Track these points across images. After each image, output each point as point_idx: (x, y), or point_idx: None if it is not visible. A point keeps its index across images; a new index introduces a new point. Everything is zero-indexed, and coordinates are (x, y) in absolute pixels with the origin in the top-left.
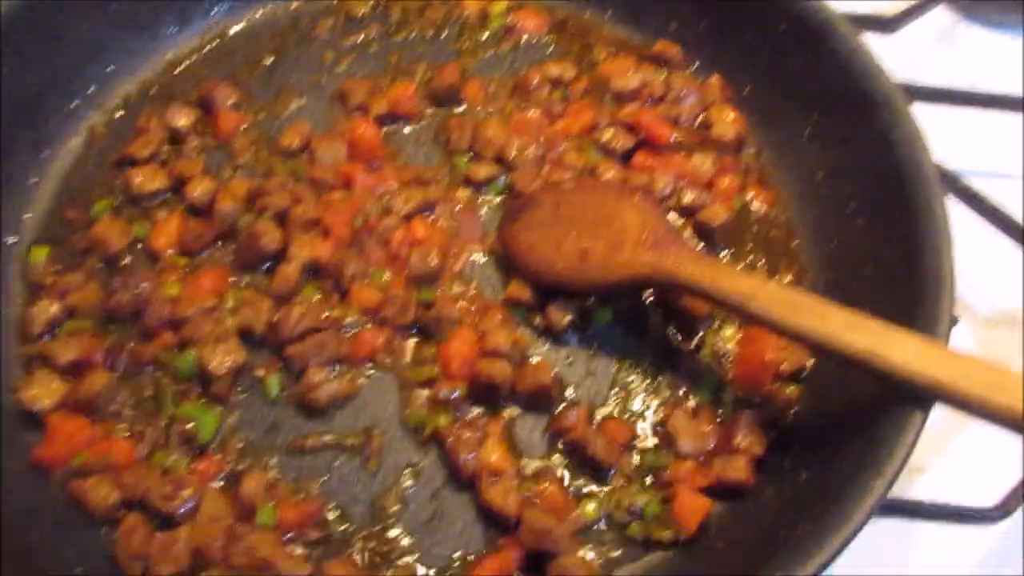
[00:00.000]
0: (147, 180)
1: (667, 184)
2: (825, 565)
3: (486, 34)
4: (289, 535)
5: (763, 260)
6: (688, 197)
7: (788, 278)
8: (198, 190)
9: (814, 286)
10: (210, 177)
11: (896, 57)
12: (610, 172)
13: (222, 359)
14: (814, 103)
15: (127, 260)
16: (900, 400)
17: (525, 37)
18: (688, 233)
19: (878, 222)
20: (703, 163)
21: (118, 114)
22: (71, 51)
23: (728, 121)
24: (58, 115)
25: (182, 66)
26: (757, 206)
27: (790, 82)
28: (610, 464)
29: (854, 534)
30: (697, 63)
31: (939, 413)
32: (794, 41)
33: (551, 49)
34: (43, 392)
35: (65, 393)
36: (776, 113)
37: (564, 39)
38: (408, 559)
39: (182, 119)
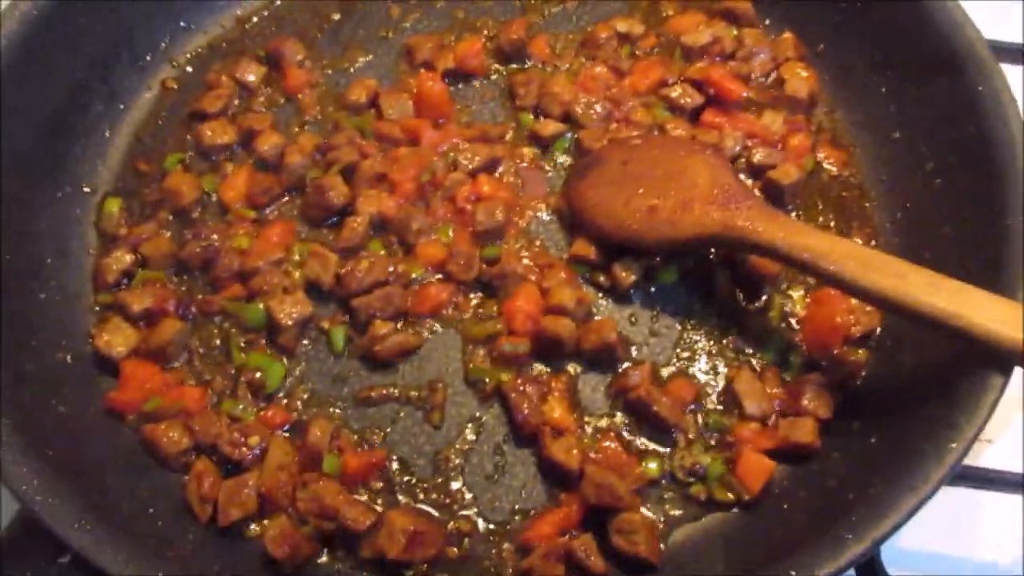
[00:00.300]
0: (217, 134)
1: (736, 142)
2: (898, 526)
3: None
4: (353, 484)
5: (834, 221)
6: (758, 156)
7: (860, 240)
8: (267, 144)
9: (887, 248)
10: (278, 132)
11: (981, 13)
12: (678, 130)
13: (289, 311)
14: (891, 59)
15: (197, 212)
16: (979, 362)
17: None
18: (757, 192)
19: (957, 183)
20: (774, 121)
21: (188, 69)
22: (145, 6)
23: (801, 78)
24: (132, 69)
25: (251, 22)
26: (829, 166)
27: (866, 38)
28: (674, 424)
29: (929, 496)
30: (768, 19)
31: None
32: None
33: (619, 4)
34: (117, 339)
35: (138, 341)
36: (851, 70)
37: None
38: (469, 512)
39: (251, 74)
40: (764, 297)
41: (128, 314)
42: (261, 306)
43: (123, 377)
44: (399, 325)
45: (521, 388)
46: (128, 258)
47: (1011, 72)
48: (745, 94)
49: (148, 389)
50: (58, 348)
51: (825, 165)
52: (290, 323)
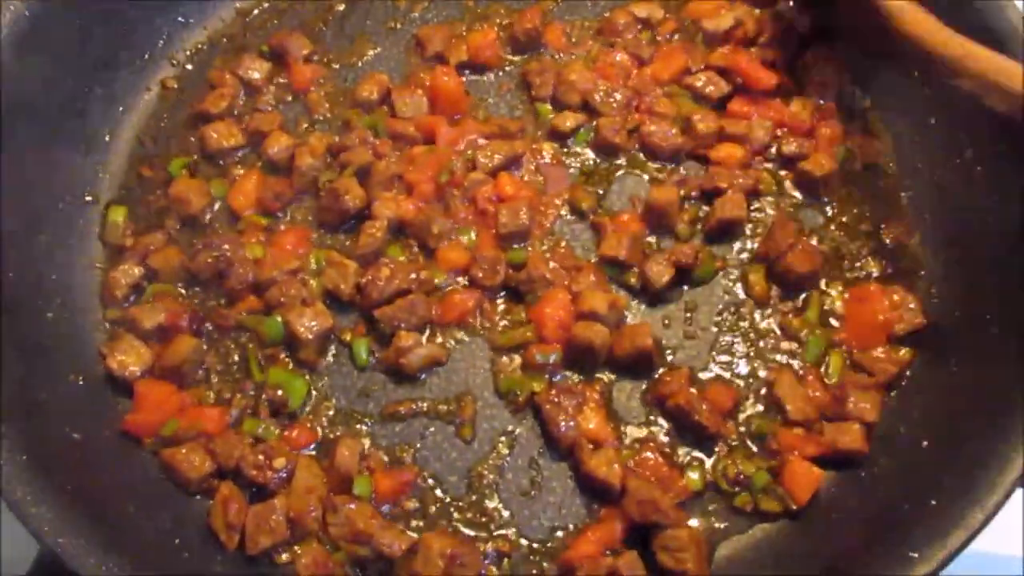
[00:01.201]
0: (223, 136)
1: (766, 132)
2: (966, 543)
3: None
4: (386, 505)
5: (869, 212)
6: (789, 146)
7: (893, 235)
8: (276, 146)
9: (927, 238)
10: (288, 133)
11: None
12: (705, 121)
13: (309, 323)
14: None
15: (207, 219)
16: None
17: None
18: (789, 184)
19: (1000, 171)
20: (803, 109)
21: (188, 67)
22: (140, 3)
23: (828, 62)
24: (130, 70)
25: (252, 15)
26: (862, 155)
27: None
28: (715, 431)
29: (997, 509)
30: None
31: None
32: None
33: None
34: (130, 359)
35: (151, 359)
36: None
37: None
38: (507, 531)
39: (255, 71)
40: (802, 296)
41: (140, 331)
42: (279, 319)
43: (138, 398)
44: (424, 336)
45: (555, 399)
46: (137, 271)
47: None
48: (775, 82)
49: (165, 410)
50: (70, 371)
51: (859, 154)
52: (311, 336)
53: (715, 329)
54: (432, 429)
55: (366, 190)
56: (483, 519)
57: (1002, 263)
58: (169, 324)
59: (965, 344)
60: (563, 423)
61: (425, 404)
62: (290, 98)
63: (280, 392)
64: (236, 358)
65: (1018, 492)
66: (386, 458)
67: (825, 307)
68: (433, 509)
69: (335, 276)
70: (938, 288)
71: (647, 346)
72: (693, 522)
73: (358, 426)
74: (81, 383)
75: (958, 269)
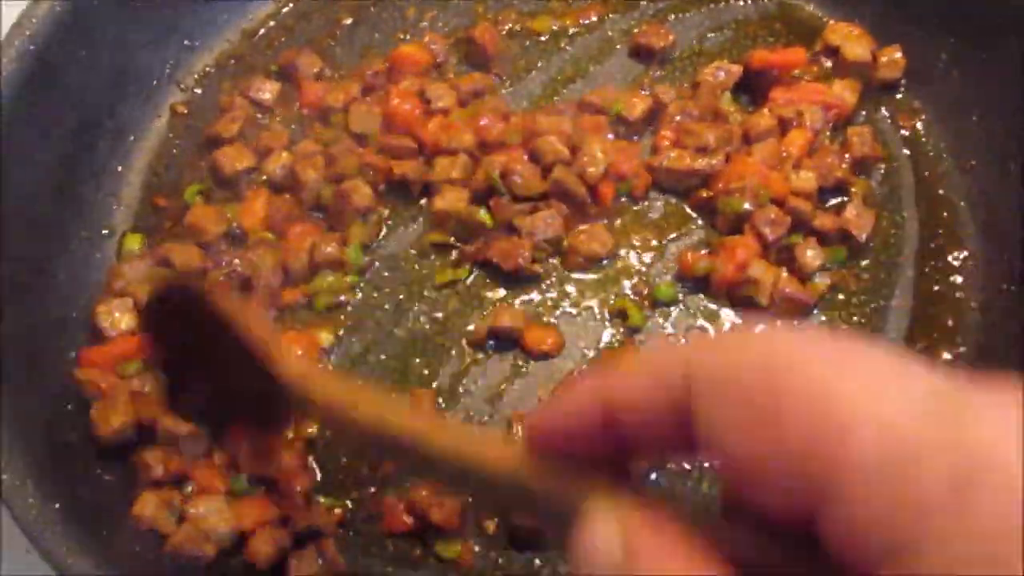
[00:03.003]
0: (235, 159)
1: (817, 119)
2: None
3: None
4: None
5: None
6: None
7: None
8: (275, 164)
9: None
10: (290, 149)
11: None
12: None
13: None
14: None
15: (223, 248)
16: None
17: None
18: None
19: None
20: (846, 89)
21: (197, 91)
22: (146, 29)
23: (855, 38)
24: (138, 98)
25: (258, 35)
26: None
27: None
28: None
29: None
30: None
31: None
32: None
33: None
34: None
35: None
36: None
37: None
38: None
39: (266, 92)
40: None
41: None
42: None
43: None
44: None
45: None
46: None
47: None
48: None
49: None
50: None
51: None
52: None
53: None
54: None
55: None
56: None
57: None
58: None
59: None
60: None
61: None
62: (304, 113)
63: None
64: None
65: None
66: None
67: None
68: None
69: None
70: None
71: None
72: None
73: None
74: None
75: None
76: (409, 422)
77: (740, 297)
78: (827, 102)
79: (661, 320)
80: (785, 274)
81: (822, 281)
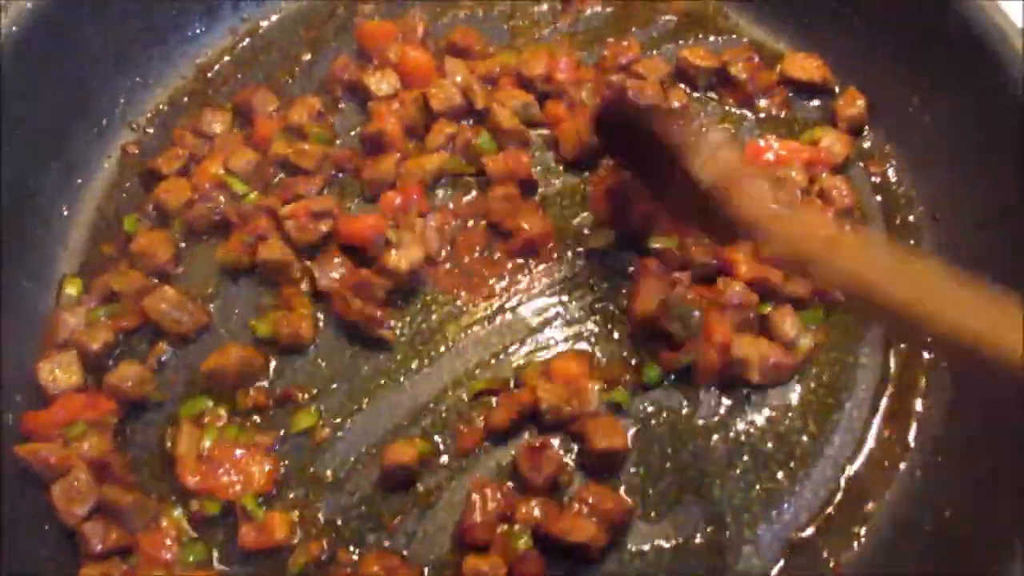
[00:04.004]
0: (176, 195)
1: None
2: None
3: (544, 6)
4: None
5: None
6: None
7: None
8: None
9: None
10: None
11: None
12: None
13: None
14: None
15: (178, 271)
16: None
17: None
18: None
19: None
20: (835, 143)
21: (149, 130)
22: (95, 66)
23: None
24: (87, 137)
25: (213, 71)
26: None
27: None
28: None
29: None
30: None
31: None
32: None
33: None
34: (63, 375)
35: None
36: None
37: None
38: None
39: (217, 124)
40: None
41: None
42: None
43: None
44: None
45: None
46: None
47: None
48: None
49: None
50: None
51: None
52: None
53: None
54: None
55: None
56: None
57: None
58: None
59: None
60: None
61: None
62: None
63: None
64: None
65: None
66: None
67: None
68: None
69: None
70: None
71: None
72: None
73: None
74: None
75: None
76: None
77: (730, 378)
78: (812, 159)
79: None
80: (767, 342)
81: (806, 342)
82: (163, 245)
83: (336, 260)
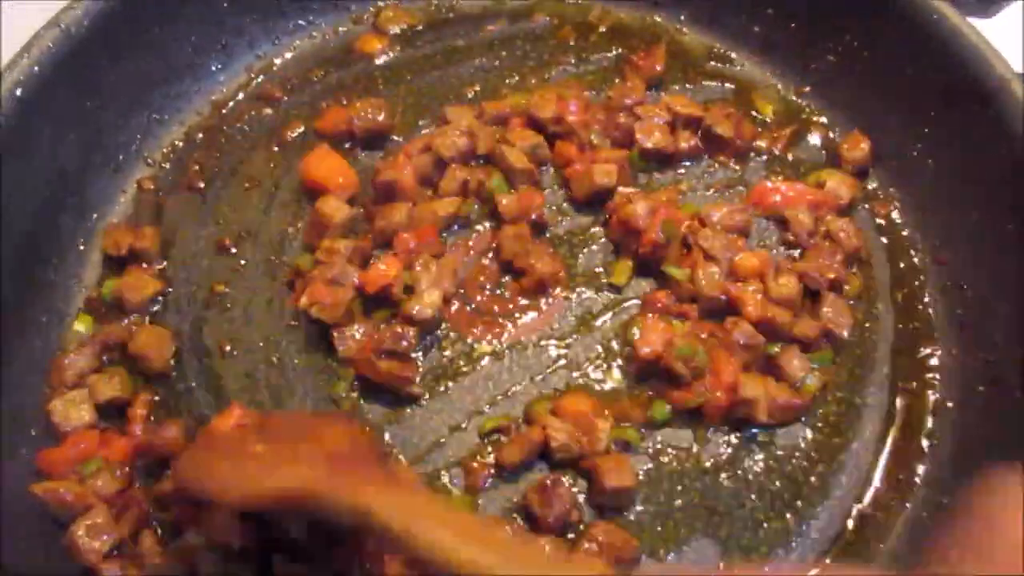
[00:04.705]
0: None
1: (806, 221)
2: None
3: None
4: None
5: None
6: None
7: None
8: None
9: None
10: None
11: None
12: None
13: None
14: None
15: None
16: None
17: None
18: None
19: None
20: (840, 185)
21: (165, 165)
22: (112, 104)
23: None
24: (103, 174)
25: (228, 106)
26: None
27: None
28: None
29: None
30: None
31: None
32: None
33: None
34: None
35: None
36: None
37: None
38: None
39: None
40: None
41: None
42: None
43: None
44: None
45: None
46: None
47: None
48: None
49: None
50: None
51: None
52: None
53: None
54: None
55: None
56: None
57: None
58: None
59: None
60: None
61: None
62: None
63: None
64: None
65: None
66: None
67: None
68: None
69: None
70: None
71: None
72: None
73: None
74: None
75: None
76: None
77: (738, 419)
78: (818, 201)
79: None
80: (774, 382)
81: (814, 382)
82: (136, 289)
83: (354, 325)
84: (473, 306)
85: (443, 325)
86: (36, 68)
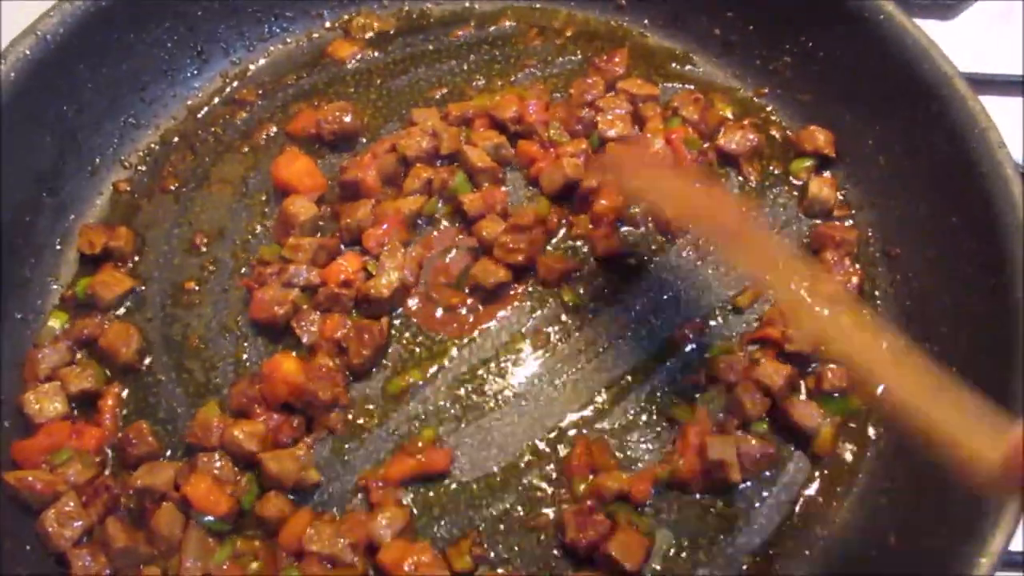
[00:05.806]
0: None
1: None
2: None
3: (518, 48)
4: None
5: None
6: None
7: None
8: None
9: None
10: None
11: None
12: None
13: None
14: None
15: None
16: None
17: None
18: None
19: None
20: (823, 187)
21: (141, 168)
22: (89, 108)
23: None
24: (80, 175)
25: (203, 111)
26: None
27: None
28: None
29: None
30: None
31: None
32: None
33: None
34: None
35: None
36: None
37: None
38: None
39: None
40: None
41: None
42: None
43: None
44: None
45: None
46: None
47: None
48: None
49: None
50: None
51: None
52: None
53: None
54: None
55: None
56: None
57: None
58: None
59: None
60: None
61: None
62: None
63: None
64: None
65: None
66: None
67: None
68: None
69: None
70: None
71: None
72: None
73: None
74: None
75: None
76: None
77: (715, 482)
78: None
79: None
80: (739, 434)
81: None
82: (110, 288)
83: (312, 314)
84: (436, 301)
85: (407, 326)
86: (12, 75)
